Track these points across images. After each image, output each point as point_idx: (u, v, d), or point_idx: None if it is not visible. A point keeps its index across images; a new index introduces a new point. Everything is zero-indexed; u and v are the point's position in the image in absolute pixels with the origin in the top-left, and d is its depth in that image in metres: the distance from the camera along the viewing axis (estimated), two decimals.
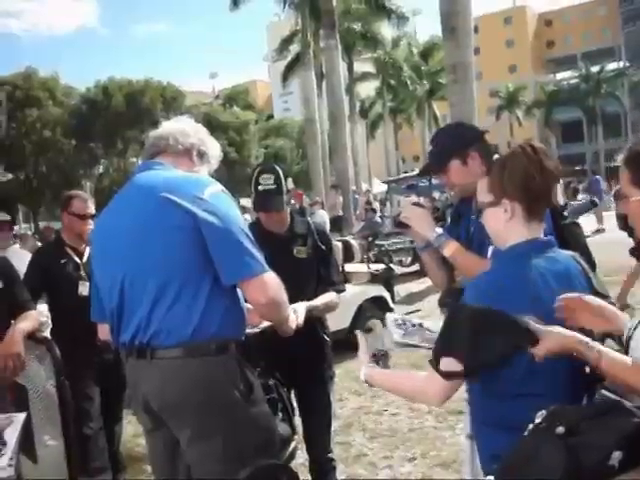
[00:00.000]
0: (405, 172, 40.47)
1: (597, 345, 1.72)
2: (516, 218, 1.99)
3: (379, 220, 17.08)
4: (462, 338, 1.77)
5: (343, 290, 3.58)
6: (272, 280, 2.25)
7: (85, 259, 4.13)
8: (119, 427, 4.44)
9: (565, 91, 67.71)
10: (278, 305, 2.32)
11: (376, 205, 20.66)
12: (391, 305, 8.27)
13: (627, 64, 73.61)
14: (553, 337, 1.73)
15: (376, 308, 7.89)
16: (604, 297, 1.99)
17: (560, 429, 1.40)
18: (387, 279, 8.50)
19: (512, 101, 63.92)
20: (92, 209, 4.24)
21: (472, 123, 12.92)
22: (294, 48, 31.76)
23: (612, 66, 72.68)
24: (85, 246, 4.17)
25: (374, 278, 8.48)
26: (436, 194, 17.13)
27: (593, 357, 1.69)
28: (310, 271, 3.35)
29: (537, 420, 1.47)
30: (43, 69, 46.00)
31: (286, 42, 32.13)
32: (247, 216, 23.58)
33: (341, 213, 16.24)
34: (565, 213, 2.61)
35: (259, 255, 2.24)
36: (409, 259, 14.10)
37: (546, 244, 2.04)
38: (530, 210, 1.99)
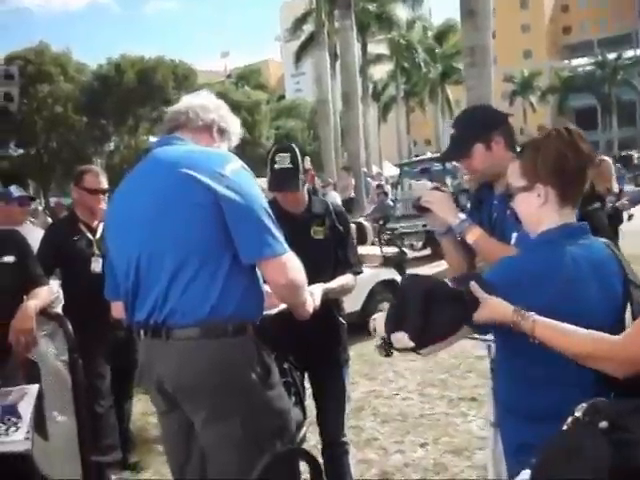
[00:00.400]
0: (416, 155, 40.20)
1: (533, 315, 1.74)
2: (549, 203, 1.93)
3: (391, 203, 16.96)
4: (412, 312, 1.81)
5: (360, 272, 3.51)
6: (292, 261, 2.20)
7: (98, 235, 4.08)
8: (129, 405, 4.42)
9: (580, 78, 67.13)
10: (297, 287, 2.26)
11: (387, 188, 20.55)
12: None
13: None
14: (490, 305, 1.80)
15: (388, 291, 7.82)
16: (637, 287, 1.93)
17: (604, 424, 1.34)
18: (399, 262, 8.41)
19: (526, 87, 63.38)
20: (105, 184, 4.19)
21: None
22: (308, 28, 31.55)
23: (629, 54, 71.87)
24: (98, 222, 4.12)
25: (386, 261, 8.41)
26: (449, 179, 16.96)
27: (528, 327, 1.74)
28: (327, 252, 3.29)
29: (577, 413, 1.40)
30: (55, 44, 45.95)
31: (300, 22, 31.90)
32: None
33: (353, 195, 16.05)
34: (609, 200, 2.54)
35: (280, 235, 2.18)
36: (420, 243, 14.02)
37: (579, 230, 1.97)
38: (564, 195, 1.93)
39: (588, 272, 1.86)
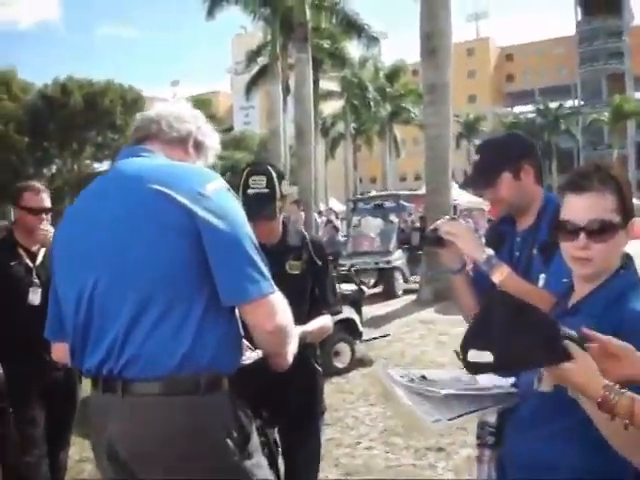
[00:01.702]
0: (362, 193, 40.34)
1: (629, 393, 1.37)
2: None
3: (341, 239, 16.75)
4: (494, 332, 1.45)
5: (340, 312, 3.17)
6: (280, 303, 1.84)
7: (38, 262, 3.61)
8: (64, 454, 3.89)
9: (522, 124, 68.94)
10: (285, 334, 1.90)
11: (338, 223, 20.37)
12: (360, 328, 7.88)
13: (582, 103, 75.54)
14: (581, 367, 1.39)
15: (344, 331, 7.48)
16: None
17: None
18: (356, 301, 8.07)
19: (471, 130, 64.78)
20: (47, 202, 3.74)
21: (447, 145, 12.77)
22: (261, 61, 31.46)
23: (569, 103, 74.53)
24: (39, 247, 3.66)
25: (342, 299, 8.04)
26: (404, 216, 16.88)
27: (623, 410, 1.35)
28: (304, 289, 2.92)
29: None
30: (0, 62, 44.70)
31: (254, 54, 31.79)
32: None
33: (303, 230, 15.82)
34: None
35: (267, 270, 1.83)
36: (372, 281, 13.76)
37: None
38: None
39: None
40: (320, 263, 2.98)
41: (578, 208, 1.70)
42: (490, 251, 2.25)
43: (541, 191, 2.42)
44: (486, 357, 1.44)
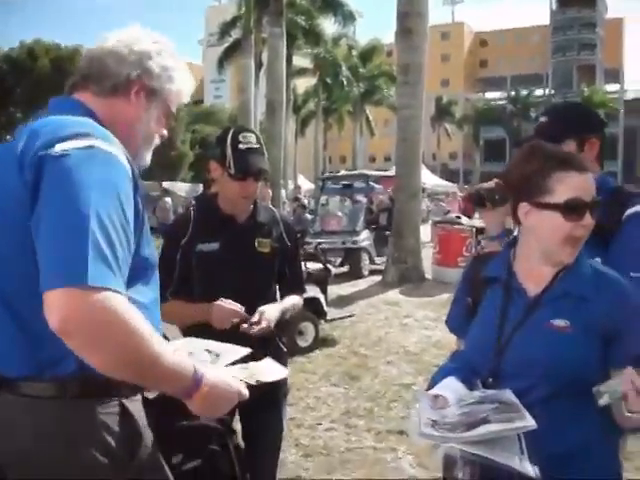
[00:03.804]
0: (331, 172, 40.22)
1: None
2: None
3: (308, 217, 16.64)
4: None
5: (305, 292, 3.11)
6: (97, 300, 1.30)
7: None
8: None
9: (492, 110, 69.37)
10: (90, 341, 1.32)
11: (305, 201, 20.25)
12: (325, 308, 7.83)
13: (553, 92, 76.17)
14: None
15: (309, 310, 7.42)
16: None
17: None
18: (322, 280, 8.01)
19: (444, 113, 64.98)
20: None
21: (419, 127, 12.71)
22: (234, 34, 30.97)
23: (539, 92, 75.04)
24: None
25: (308, 278, 7.99)
26: (374, 197, 16.85)
27: None
28: (272, 269, 2.85)
29: None
30: None
31: (228, 26, 31.26)
32: (168, 200, 22.86)
33: (267, 206, 15.70)
34: None
35: (111, 262, 1.35)
36: (338, 260, 13.71)
37: None
38: None
39: None
40: (290, 244, 2.91)
41: (586, 186, 1.69)
42: None
43: (599, 170, 2.29)
44: None
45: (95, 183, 1.39)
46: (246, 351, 1.90)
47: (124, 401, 1.53)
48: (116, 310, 1.31)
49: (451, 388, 1.69)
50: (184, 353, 1.70)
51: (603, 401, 1.49)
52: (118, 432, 1.49)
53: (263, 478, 2.77)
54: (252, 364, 1.85)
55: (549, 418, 1.60)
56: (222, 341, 1.99)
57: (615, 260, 1.82)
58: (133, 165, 1.55)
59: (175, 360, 1.43)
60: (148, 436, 1.58)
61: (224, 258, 2.69)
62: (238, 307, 2.53)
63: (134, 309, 1.35)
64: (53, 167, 1.40)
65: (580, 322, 1.63)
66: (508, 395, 1.61)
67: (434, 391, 1.67)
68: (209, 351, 1.85)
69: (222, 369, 1.72)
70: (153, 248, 1.63)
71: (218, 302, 2.53)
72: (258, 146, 2.67)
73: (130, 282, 1.43)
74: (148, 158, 1.80)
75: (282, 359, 2.87)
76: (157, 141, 1.81)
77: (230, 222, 2.76)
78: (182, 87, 1.79)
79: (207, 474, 1.75)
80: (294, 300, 2.87)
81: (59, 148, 1.42)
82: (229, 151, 2.63)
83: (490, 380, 1.72)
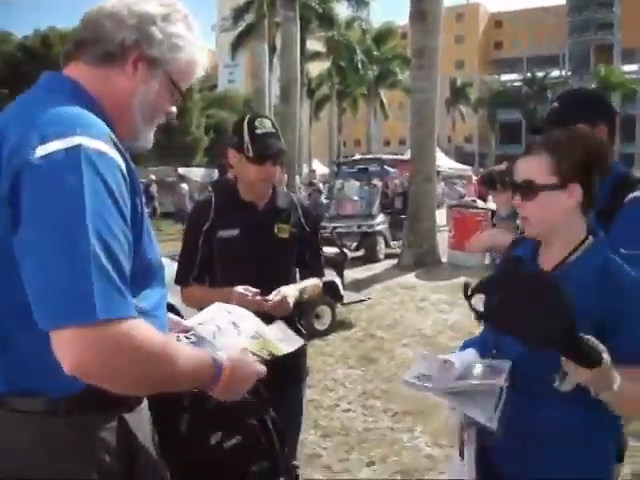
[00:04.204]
0: (346, 156, 40.16)
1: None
2: (577, 207, 1.77)
3: (324, 202, 16.68)
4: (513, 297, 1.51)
5: (324, 277, 3.18)
6: (113, 341, 1.20)
7: None
8: None
9: (508, 92, 68.78)
10: (112, 382, 1.27)
11: (320, 186, 20.28)
12: (342, 292, 7.91)
13: (569, 73, 75.35)
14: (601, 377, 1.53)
15: (326, 294, 7.49)
16: None
17: None
18: (338, 264, 8.09)
19: (458, 96, 64.49)
20: None
21: (434, 111, 12.69)
22: (248, 18, 30.93)
23: (555, 73, 74.26)
24: None
25: (324, 262, 8.04)
26: (389, 180, 16.85)
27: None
28: (291, 254, 2.90)
29: None
30: None
31: (241, 11, 31.21)
32: (184, 185, 22.94)
33: (286, 191, 15.76)
34: None
35: (114, 287, 1.21)
36: (354, 244, 13.76)
37: None
38: (589, 199, 1.78)
39: None
40: (309, 229, 2.96)
41: (519, 169, 1.81)
42: None
43: None
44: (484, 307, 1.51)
45: (85, 191, 1.21)
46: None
47: (124, 415, 1.43)
48: (131, 344, 1.22)
49: (462, 356, 1.79)
50: (209, 332, 1.77)
51: (556, 385, 1.57)
52: (114, 448, 1.39)
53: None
54: (265, 330, 1.94)
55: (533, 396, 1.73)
56: None
57: (613, 243, 1.88)
58: (128, 158, 1.37)
59: (194, 363, 1.40)
60: (147, 450, 1.48)
61: (244, 244, 2.75)
62: (258, 296, 2.56)
63: (147, 331, 1.27)
64: (34, 178, 1.21)
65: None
66: (504, 364, 1.72)
67: (442, 357, 1.75)
68: (235, 324, 1.88)
69: (237, 345, 1.74)
70: (154, 247, 1.49)
71: (239, 289, 2.58)
72: (274, 130, 2.73)
73: (133, 289, 1.29)
74: (150, 138, 1.59)
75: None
76: (161, 119, 1.60)
77: (249, 208, 2.82)
78: (192, 58, 1.54)
79: (249, 449, 1.72)
80: (313, 282, 2.92)
81: (39, 153, 1.22)
82: (247, 136, 2.68)
83: (494, 351, 1.81)
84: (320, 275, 3.05)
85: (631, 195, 2.09)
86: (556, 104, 2.44)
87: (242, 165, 2.74)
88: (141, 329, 1.24)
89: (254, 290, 2.56)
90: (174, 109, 1.60)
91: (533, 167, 1.77)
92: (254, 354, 1.74)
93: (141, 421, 1.49)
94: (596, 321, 1.64)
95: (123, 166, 1.32)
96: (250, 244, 2.75)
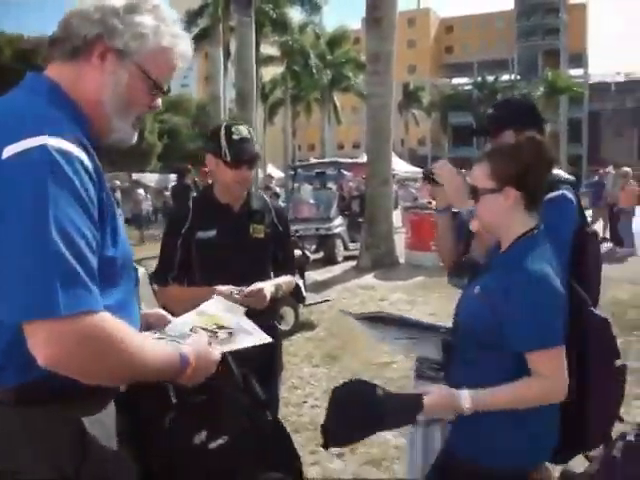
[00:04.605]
0: (300, 160, 40.27)
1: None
2: (518, 207, 2.02)
3: (282, 205, 16.77)
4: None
5: (296, 274, 3.33)
6: (78, 329, 1.25)
7: None
8: None
9: (459, 96, 69.82)
10: (83, 374, 1.32)
11: (277, 190, 20.36)
12: (304, 293, 8.05)
13: (518, 77, 76.96)
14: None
15: (289, 295, 7.61)
16: None
17: None
18: (301, 266, 8.22)
19: (411, 100, 65.20)
20: None
21: (389, 115, 12.95)
22: (201, 23, 30.84)
23: (505, 77, 75.73)
24: None
25: None
26: (344, 184, 17.04)
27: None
28: (267, 254, 3.05)
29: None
30: None
31: (195, 15, 31.11)
32: (141, 191, 22.76)
33: (259, 194, 15.81)
34: None
35: (79, 280, 1.26)
36: (313, 247, 13.91)
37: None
38: (533, 200, 2.04)
39: None
40: (281, 229, 3.12)
41: (470, 175, 2.12)
42: (471, 207, 2.41)
43: None
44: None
45: (49, 189, 1.25)
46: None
47: (77, 407, 1.41)
48: (98, 336, 1.27)
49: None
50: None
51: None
52: (64, 440, 1.40)
53: None
54: (207, 307, 2.01)
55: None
56: None
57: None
58: (95, 157, 1.41)
59: (163, 356, 1.45)
60: (101, 443, 1.45)
61: (221, 244, 2.88)
62: (236, 292, 2.69)
63: (114, 323, 1.32)
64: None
65: (486, 291, 2.00)
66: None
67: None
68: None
69: (188, 322, 1.81)
70: (123, 245, 1.50)
71: (218, 287, 2.70)
72: (250, 136, 2.88)
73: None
74: (130, 132, 1.63)
75: (276, 335, 3.09)
76: (141, 111, 1.63)
77: (226, 210, 2.96)
78: (161, 47, 1.54)
79: (237, 452, 1.63)
80: (288, 279, 3.07)
81: (5, 153, 1.28)
82: (224, 142, 2.82)
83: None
84: (293, 273, 3.20)
85: (547, 196, 2.29)
86: (492, 110, 2.71)
87: (219, 169, 2.87)
88: (108, 322, 1.30)
89: (237, 288, 2.69)
90: (159, 102, 1.65)
91: (476, 173, 2.07)
92: (204, 329, 1.78)
93: (101, 414, 1.47)
94: (498, 307, 1.94)
95: (89, 165, 1.36)
96: (227, 244, 2.88)
